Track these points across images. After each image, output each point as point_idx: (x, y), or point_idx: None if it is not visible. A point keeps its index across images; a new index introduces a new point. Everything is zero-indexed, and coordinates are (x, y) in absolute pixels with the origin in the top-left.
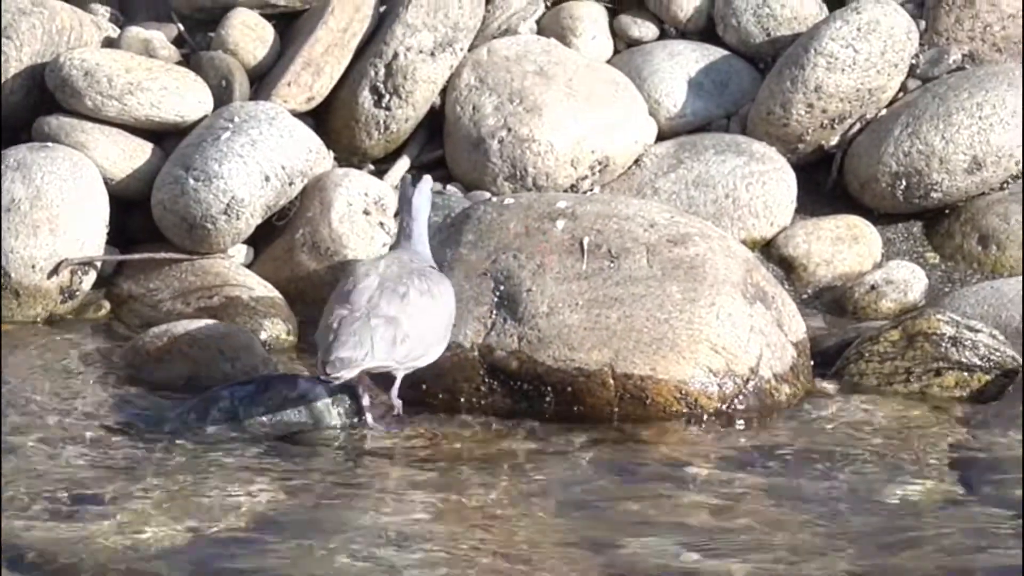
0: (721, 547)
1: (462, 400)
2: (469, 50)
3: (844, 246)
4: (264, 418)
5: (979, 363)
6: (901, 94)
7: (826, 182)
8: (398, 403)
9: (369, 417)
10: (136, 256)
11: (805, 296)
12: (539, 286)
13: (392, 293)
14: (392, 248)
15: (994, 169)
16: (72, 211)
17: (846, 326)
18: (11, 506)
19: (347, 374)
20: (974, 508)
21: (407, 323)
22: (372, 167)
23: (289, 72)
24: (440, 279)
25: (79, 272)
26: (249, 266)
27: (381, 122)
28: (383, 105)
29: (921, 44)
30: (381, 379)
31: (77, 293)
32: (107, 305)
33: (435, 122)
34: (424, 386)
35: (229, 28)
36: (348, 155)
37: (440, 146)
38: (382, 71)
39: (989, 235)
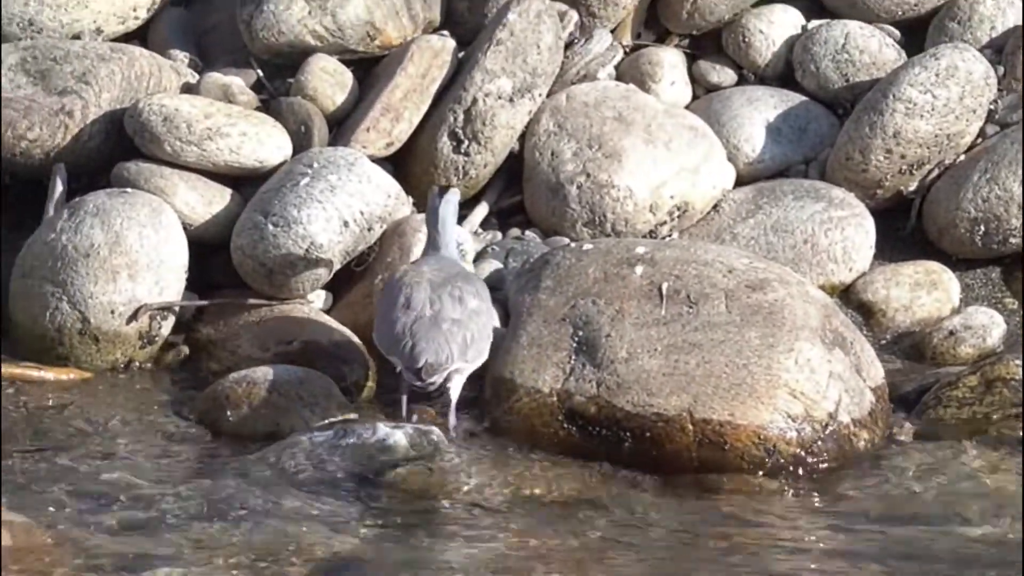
0: None
1: (541, 444)
2: (548, 95)
3: (923, 291)
4: (344, 463)
5: None
6: (980, 139)
7: (905, 227)
8: (454, 422)
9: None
10: (215, 301)
11: (884, 341)
12: (618, 331)
13: (451, 297)
14: (423, 256)
15: None
16: (151, 256)
17: (924, 371)
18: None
19: (439, 378)
20: None
21: (471, 325)
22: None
23: (368, 118)
24: (481, 284)
25: (158, 317)
26: (328, 311)
27: (460, 167)
28: (462, 151)
29: (1000, 89)
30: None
31: (156, 338)
32: (186, 350)
33: (514, 167)
34: (502, 429)
35: (308, 74)
36: (427, 200)
37: (519, 191)
38: (461, 117)
39: None
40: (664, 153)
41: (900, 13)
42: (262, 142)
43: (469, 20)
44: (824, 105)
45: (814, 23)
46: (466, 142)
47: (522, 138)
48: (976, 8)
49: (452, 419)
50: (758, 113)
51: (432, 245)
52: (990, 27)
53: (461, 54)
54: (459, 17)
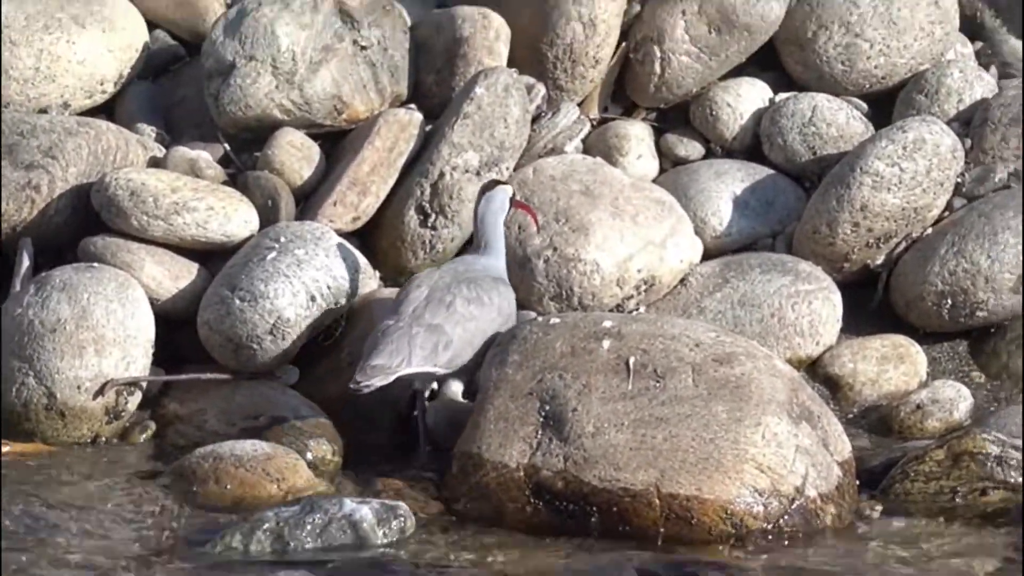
0: None
1: (508, 519)
2: (515, 169)
3: (890, 365)
4: (310, 539)
5: None
6: (947, 213)
7: (872, 301)
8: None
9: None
10: (182, 377)
11: (851, 415)
12: (585, 406)
13: (438, 303)
14: (461, 254)
15: None
16: (117, 331)
17: (892, 445)
18: None
19: (378, 382)
20: None
21: (451, 330)
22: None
23: (335, 192)
24: (492, 286)
25: (125, 392)
26: (295, 386)
27: (427, 241)
28: (429, 224)
29: (967, 162)
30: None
31: (123, 413)
32: (153, 425)
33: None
34: (469, 504)
35: (275, 148)
36: (394, 274)
37: None
38: (428, 190)
39: None
40: (631, 227)
41: (867, 86)
42: (229, 216)
43: (436, 94)
44: (791, 178)
45: (781, 96)
46: (433, 216)
47: None
48: (943, 81)
49: (422, 439)
50: (725, 186)
51: (474, 246)
52: (957, 100)
53: (428, 127)
54: (426, 91)
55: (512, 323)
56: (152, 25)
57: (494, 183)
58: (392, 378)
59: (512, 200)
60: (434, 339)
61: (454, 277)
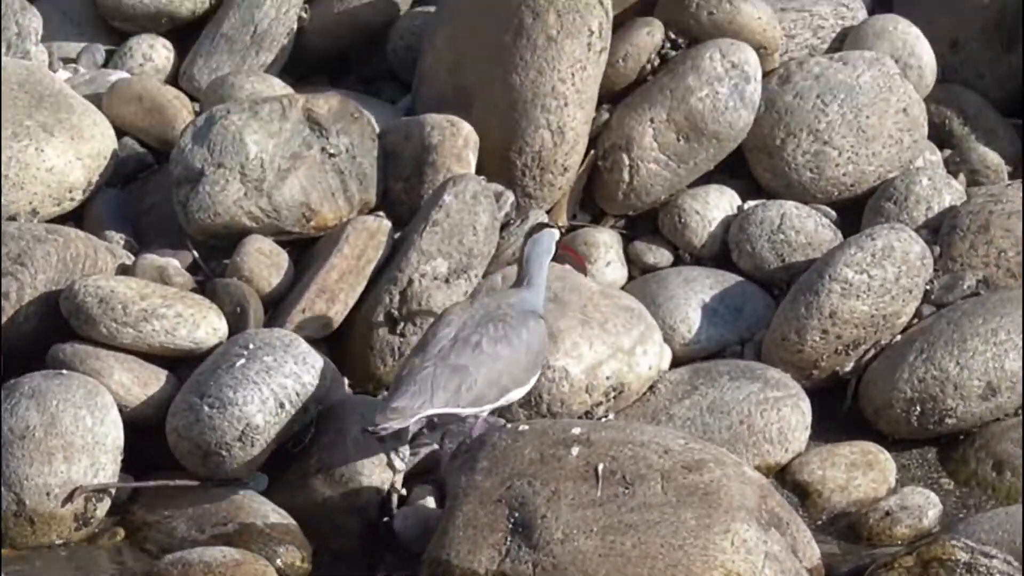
0: None
1: None
2: (484, 276)
3: (859, 472)
4: None
5: None
6: (916, 320)
7: (841, 408)
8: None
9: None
10: (151, 483)
11: (820, 522)
12: (554, 512)
13: (464, 343)
14: (501, 290)
15: (1009, 395)
16: (86, 438)
17: (861, 552)
18: None
19: (396, 424)
20: None
21: (475, 371)
22: (387, 393)
23: (304, 299)
24: (522, 323)
25: (94, 499)
26: (264, 493)
27: (396, 348)
28: (398, 331)
29: (936, 270)
30: None
31: (92, 520)
32: (122, 532)
33: None
34: None
35: (244, 255)
36: (363, 381)
37: None
38: (397, 297)
39: (1004, 461)
40: (600, 334)
41: (836, 194)
42: (198, 323)
43: (405, 201)
44: (760, 285)
45: (750, 204)
46: (402, 323)
47: None
48: (912, 189)
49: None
50: (694, 293)
51: (518, 281)
52: (926, 207)
53: (397, 235)
54: (395, 198)
55: (543, 358)
56: (121, 132)
57: (541, 225)
58: (411, 420)
59: (559, 244)
60: (458, 380)
61: (485, 315)
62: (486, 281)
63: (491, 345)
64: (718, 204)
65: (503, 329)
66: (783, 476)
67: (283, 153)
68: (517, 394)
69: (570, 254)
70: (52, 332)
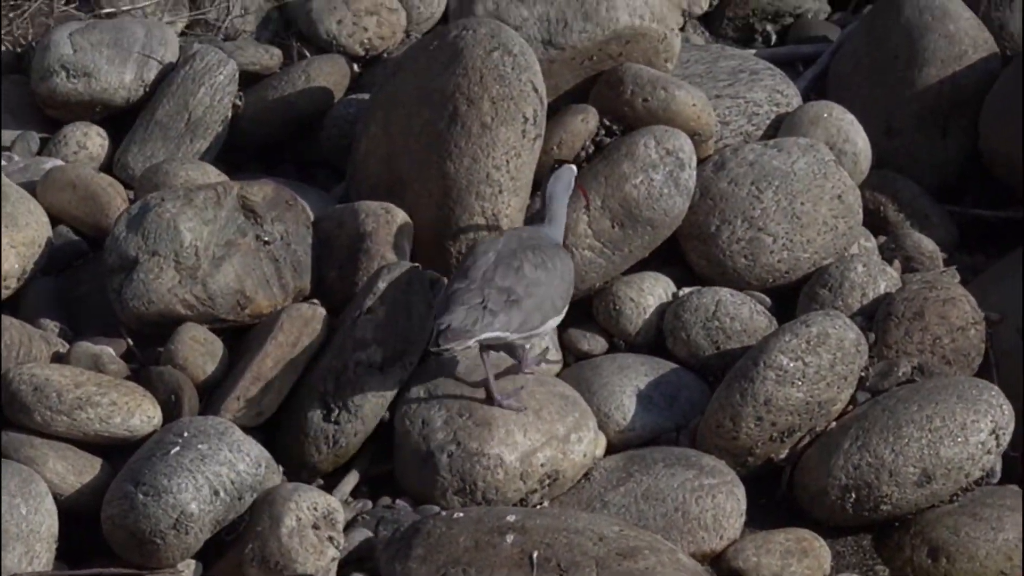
0: None
1: None
2: (419, 363)
3: (794, 559)
4: None
5: None
6: (851, 407)
7: (776, 494)
8: (535, 366)
9: (497, 396)
10: (86, 572)
11: None
12: None
13: (507, 267)
14: (526, 223)
15: (944, 482)
16: (20, 527)
17: None
18: None
19: (459, 345)
20: None
21: (521, 292)
22: (321, 481)
23: (238, 387)
24: (555, 252)
25: None
26: None
27: (330, 436)
28: (332, 419)
29: (871, 357)
30: None
31: None
32: None
33: (385, 435)
34: None
35: (178, 343)
36: (297, 469)
37: (390, 459)
38: (331, 385)
39: (939, 548)
40: (535, 421)
41: (771, 280)
42: (132, 411)
43: (339, 288)
44: (695, 372)
45: (685, 291)
46: (336, 411)
47: (392, 406)
48: (847, 275)
49: (528, 362)
50: (629, 381)
51: (539, 216)
52: (861, 294)
53: (332, 322)
54: (329, 285)
55: (571, 291)
56: (55, 220)
57: (562, 162)
58: (471, 342)
59: (576, 179)
60: (503, 299)
61: (520, 243)
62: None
63: (532, 270)
64: (653, 291)
65: (541, 256)
66: (718, 563)
67: (218, 241)
68: (554, 323)
69: (580, 191)
70: None
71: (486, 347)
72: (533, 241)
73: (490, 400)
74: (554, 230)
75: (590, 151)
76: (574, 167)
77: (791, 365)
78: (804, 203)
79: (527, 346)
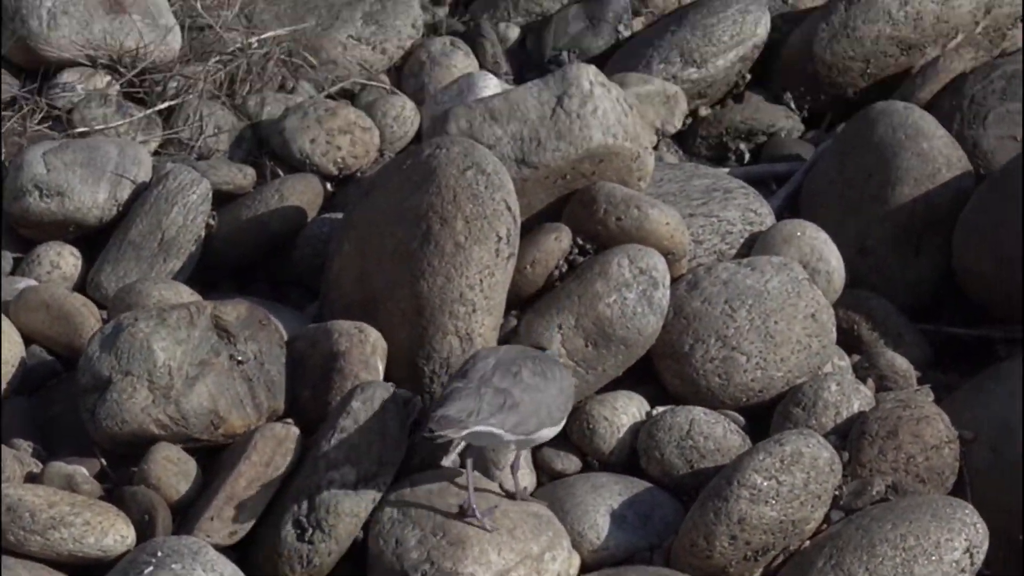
0: None
1: None
2: (392, 483)
3: None
4: None
5: None
6: (825, 526)
7: None
8: (521, 480)
9: (474, 508)
10: None
11: None
12: None
13: (505, 371)
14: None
15: None
16: None
17: None
18: None
19: (452, 433)
20: None
21: (518, 394)
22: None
23: (212, 506)
24: (554, 365)
25: None
26: None
27: (304, 556)
28: (306, 539)
29: (844, 475)
30: None
31: None
32: None
33: (359, 555)
34: None
35: (152, 463)
36: None
37: None
38: (305, 505)
39: None
40: (509, 540)
41: (745, 399)
42: (105, 531)
43: (313, 408)
44: (669, 491)
45: (658, 409)
46: (310, 530)
47: (366, 526)
48: (820, 394)
49: (516, 474)
50: (603, 500)
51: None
52: (835, 413)
53: (305, 442)
54: (303, 405)
55: (570, 405)
56: (28, 340)
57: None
58: (464, 433)
59: None
60: (501, 399)
61: (520, 353)
62: None
63: (531, 376)
64: (626, 410)
65: (540, 366)
66: None
67: (191, 360)
68: (550, 432)
69: None
70: None
71: (474, 452)
72: (534, 353)
73: (462, 514)
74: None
75: (563, 270)
76: None
77: (765, 484)
78: (778, 322)
79: (520, 455)
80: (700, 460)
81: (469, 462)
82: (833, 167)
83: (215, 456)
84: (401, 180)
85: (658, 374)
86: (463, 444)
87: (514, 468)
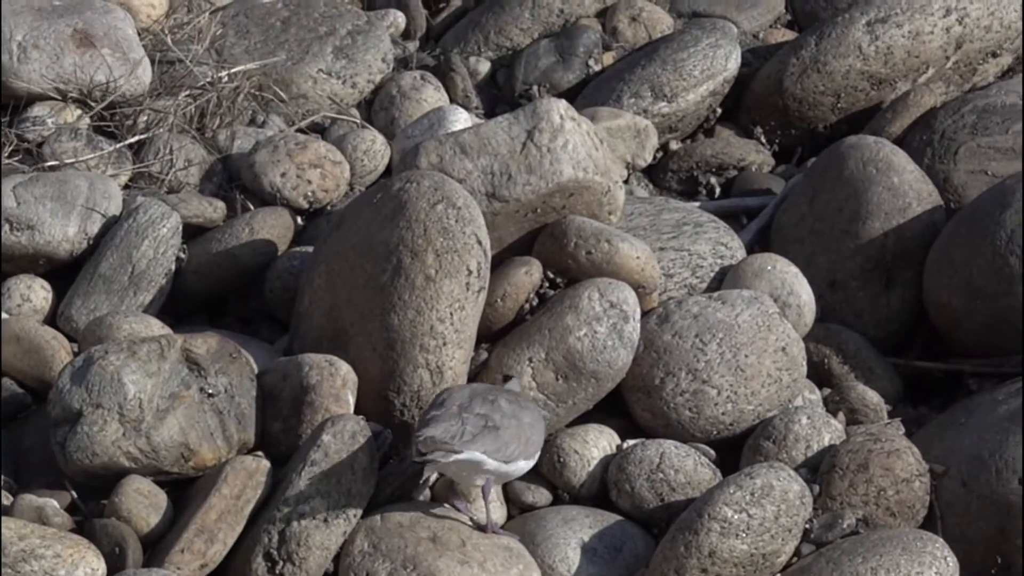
0: None
1: None
2: (363, 516)
3: None
4: None
5: None
6: (795, 559)
7: None
8: (492, 512)
9: (496, 524)
10: None
11: None
12: None
13: (483, 399)
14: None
15: None
16: None
17: None
18: None
19: (439, 456)
20: None
21: (498, 419)
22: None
23: (182, 539)
24: (527, 402)
25: None
26: None
27: None
28: (277, 572)
29: (815, 508)
30: None
31: None
32: None
33: None
34: None
35: (122, 495)
36: None
37: None
38: (276, 537)
39: None
40: (479, 573)
41: (715, 433)
42: (76, 564)
43: (283, 441)
44: (639, 524)
45: (629, 443)
46: (281, 563)
47: (337, 559)
48: (791, 428)
49: (490, 510)
50: (573, 533)
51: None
52: (805, 446)
53: (276, 475)
54: (273, 438)
55: (542, 440)
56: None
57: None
58: (452, 459)
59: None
60: (483, 421)
61: (491, 388)
62: None
63: (507, 405)
64: (597, 443)
65: (513, 398)
66: None
67: (162, 393)
68: (525, 465)
69: None
70: None
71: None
72: (505, 390)
73: (482, 528)
74: (517, 386)
75: (534, 303)
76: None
77: (735, 517)
78: (748, 355)
79: (491, 487)
80: (671, 493)
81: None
82: (804, 201)
83: (186, 489)
84: (371, 214)
85: (628, 407)
86: (434, 476)
87: (486, 498)
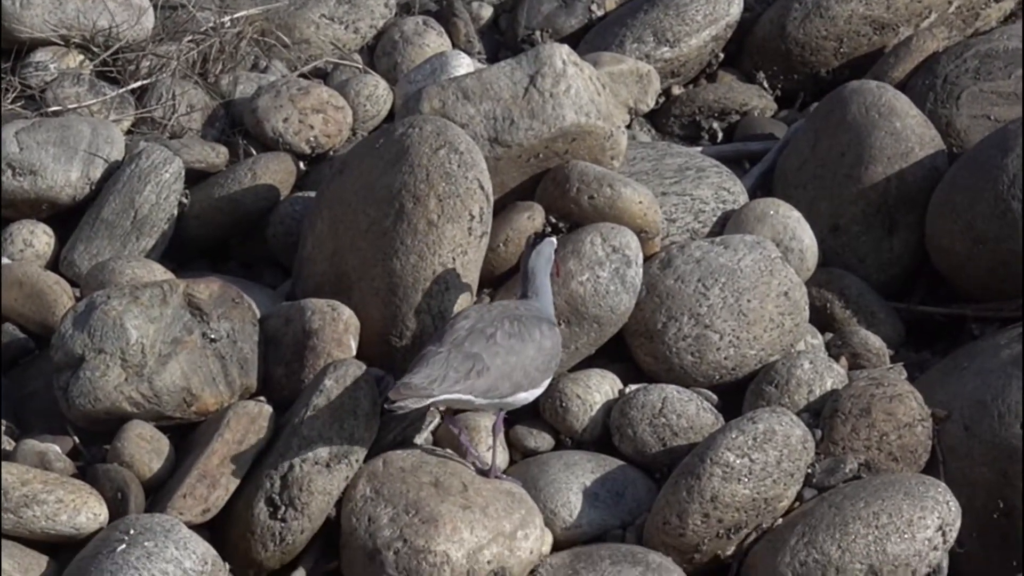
0: None
1: None
2: (365, 461)
3: None
4: None
5: None
6: (797, 503)
7: None
8: (496, 463)
9: (497, 469)
10: None
11: None
12: None
13: (480, 333)
14: (518, 298)
15: None
16: None
17: None
18: None
19: (413, 403)
20: None
21: (488, 359)
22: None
23: (185, 484)
24: (536, 324)
25: None
26: None
27: (277, 534)
28: (279, 517)
29: (817, 453)
30: None
31: None
32: None
33: (331, 533)
34: None
35: (124, 440)
36: (244, 567)
37: (336, 556)
38: (278, 482)
39: None
40: (481, 518)
41: (717, 377)
42: (78, 509)
43: (286, 386)
44: (642, 469)
45: (631, 387)
46: (283, 508)
47: (339, 504)
48: (793, 372)
49: (478, 454)
50: (575, 478)
51: (522, 292)
52: (808, 391)
53: (279, 420)
54: (276, 383)
55: (555, 364)
56: (1, 318)
57: (541, 235)
58: (427, 403)
59: (556, 251)
60: (469, 365)
61: (501, 313)
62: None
63: (505, 339)
64: (599, 388)
65: (518, 326)
66: None
67: (164, 338)
68: (530, 395)
69: (556, 267)
70: None
71: (456, 415)
72: (517, 312)
73: (485, 473)
74: (543, 304)
75: None
76: (554, 239)
77: (738, 462)
78: (751, 300)
79: (498, 415)
80: (673, 438)
81: (451, 424)
82: (806, 146)
83: (188, 434)
84: (374, 159)
85: (631, 352)
86: (437, 419)
87: (494, 438)
